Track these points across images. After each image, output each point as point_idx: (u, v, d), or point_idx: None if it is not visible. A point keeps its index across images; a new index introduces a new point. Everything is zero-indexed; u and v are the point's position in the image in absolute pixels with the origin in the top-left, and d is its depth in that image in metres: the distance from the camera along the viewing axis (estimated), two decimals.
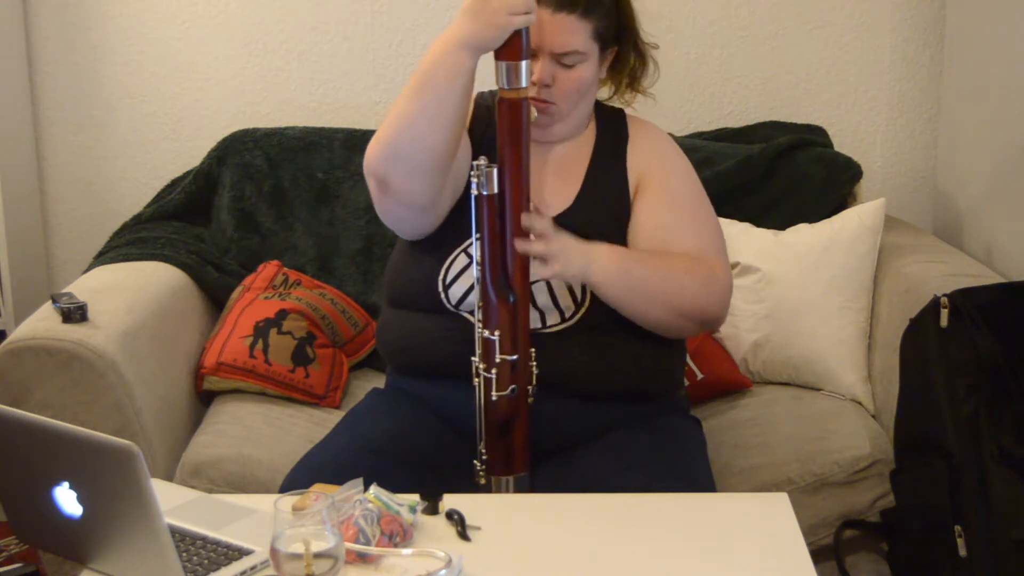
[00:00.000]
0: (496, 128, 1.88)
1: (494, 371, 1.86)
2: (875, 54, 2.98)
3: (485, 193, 1.84)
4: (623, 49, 2.05)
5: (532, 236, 1.86)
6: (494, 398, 1.87)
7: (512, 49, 1.82)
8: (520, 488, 1.92)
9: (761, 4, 2.97)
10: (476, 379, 1.89)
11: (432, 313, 2.01)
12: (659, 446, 1.96)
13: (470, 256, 1.96)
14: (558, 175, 2.05)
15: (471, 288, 1.96)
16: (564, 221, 1.96)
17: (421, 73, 1.88)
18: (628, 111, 2.14)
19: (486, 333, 1.87)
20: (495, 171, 1.84)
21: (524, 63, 1.83)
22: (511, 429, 1.89)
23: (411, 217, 1.99)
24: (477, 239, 1.87)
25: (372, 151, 1.92)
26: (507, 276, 1.87)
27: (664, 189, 2.04)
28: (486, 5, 1.80)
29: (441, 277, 2.00)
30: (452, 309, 1.98)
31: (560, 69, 1.95)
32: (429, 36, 3.00)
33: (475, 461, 1.92)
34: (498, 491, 1.92)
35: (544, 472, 1.94)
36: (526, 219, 1.85)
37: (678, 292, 1.95)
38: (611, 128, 2.10)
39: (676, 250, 1.99)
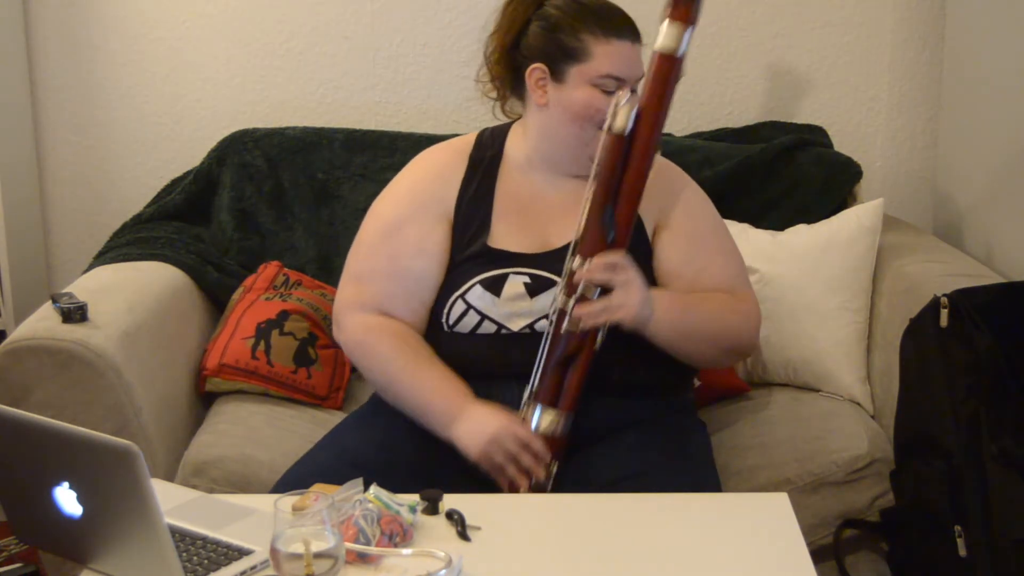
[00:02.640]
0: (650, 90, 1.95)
1: (570, 306, 1.87)
2: (875, 54, 2.98)
3: (614, 131, 1.87)
4: None
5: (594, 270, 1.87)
6: (564, 329, 1.87)
7: (684, 10, 1.88)
8: (564, 429, 1.91)
9: (761, 4, 2.97)
10: (551, 305, 1.90)
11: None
12: (667, 447, 1.96)
13: (467, 303, 2.00)
14: (564, 211, 2.04)
15: (479, 323, 1.99)
16: (563, 255, 1.97)
17: (415, 403, 1.97)
18: None
19: (576, 262, 1.88)
20: (634, 112, 1.87)
21: (691, 29, 1.89)
22: (570, 365, 1.90)
23: None
24: (596, 174, 1.89)
25: (352, 353, 2.09)
26: (613, 213, 1.87)
27: (684, 227, 2.06)
28: (489, 447, 1.88)
29: (444, 320, 2.03)
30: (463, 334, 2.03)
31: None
32: (429, 36, 3.00)
33: (526, 391, 1.93)
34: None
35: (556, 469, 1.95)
36: (600, 257, 1.87)
37: (724, 331, 2.02)
38: None
39: (707, 286, 2.03)
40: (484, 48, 2.10)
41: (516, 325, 1.98)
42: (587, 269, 1.87)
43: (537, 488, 1.91)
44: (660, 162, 2.11)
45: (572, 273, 1.89)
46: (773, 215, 2.70)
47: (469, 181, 2.08)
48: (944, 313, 1.95)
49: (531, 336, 1.98)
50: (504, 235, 2.04)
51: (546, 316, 1.97)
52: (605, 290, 1.89)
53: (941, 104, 2.95)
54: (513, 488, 1.90)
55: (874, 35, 2.97)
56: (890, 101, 3.01)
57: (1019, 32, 2.48)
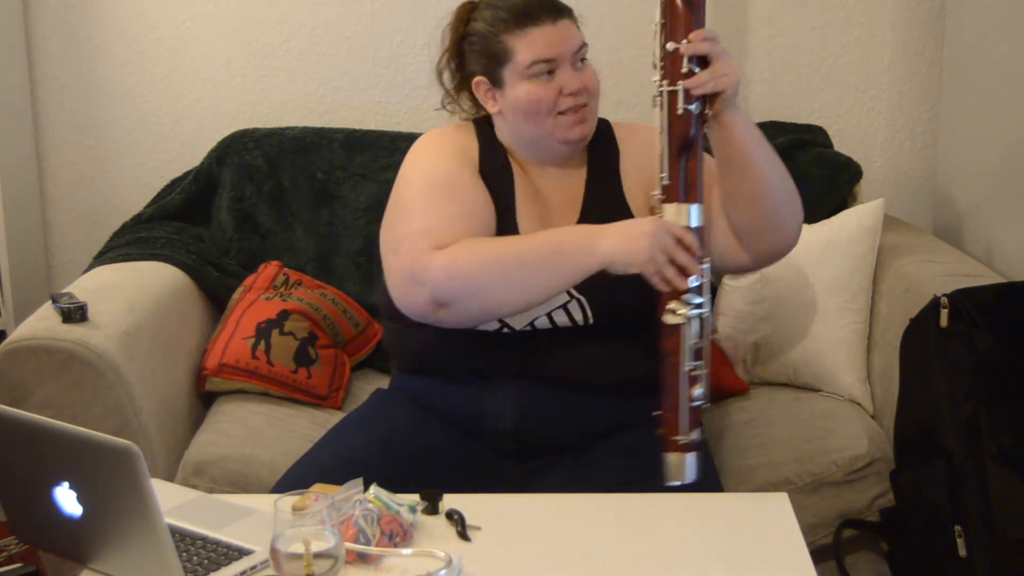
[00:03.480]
0: None
1: (680, 84, 1.83)
2: (875, 54, 2.98)
3: None
4: None
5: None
6: (680, 111, 1.84)
7: None
8: (700, 220, 1.86)
9: (761, 4, 2.97)
10: (657, 95, 1.86)
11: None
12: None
13: None
14: (558, 204, 2.05)
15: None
16: None
17: (544, 254, 1.87)
18: (613, 121, 2.14)
19: (670, 45, 1.84)
20: None
21: None
22: (691, 151, 1.86)
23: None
24: None
25: (446, 279, 1.87)
26: None
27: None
28: (660, 249, 1.79)
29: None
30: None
31: (580, 72, 1.99)
32: (429, 36, 2.97)
33: (653, 194, 1.90)
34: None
35: (549, 472, 1.94)
36: (697, 35, 1.83)
37: (788, 176, 1.97)
38: (600, 146, 2.09)
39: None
40: (437, 75, 2.14)
41: (519, 323, 1.97)
42: (689, 43, 1.83)
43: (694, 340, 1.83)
44: (632, 133, 2.11)
45: (671, 53, 1.84)
46: None
47: (485, 152, 2.08)
48: (944, 313, 1.95)
49: (531, 334, 1.97)
50: (525, 220, 2.03)
51: (547, 314, 1.96)
52: (703, 68, 1.85)
53: (941, 104, 2.95)
54: (676, 292, 1.81)
55: (874, 35, 2.97)
56: (890, 101, 3.01)
57: (1019, 32, 2.48)
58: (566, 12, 2.01)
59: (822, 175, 2.73)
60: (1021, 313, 1.95)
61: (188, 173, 2.88)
